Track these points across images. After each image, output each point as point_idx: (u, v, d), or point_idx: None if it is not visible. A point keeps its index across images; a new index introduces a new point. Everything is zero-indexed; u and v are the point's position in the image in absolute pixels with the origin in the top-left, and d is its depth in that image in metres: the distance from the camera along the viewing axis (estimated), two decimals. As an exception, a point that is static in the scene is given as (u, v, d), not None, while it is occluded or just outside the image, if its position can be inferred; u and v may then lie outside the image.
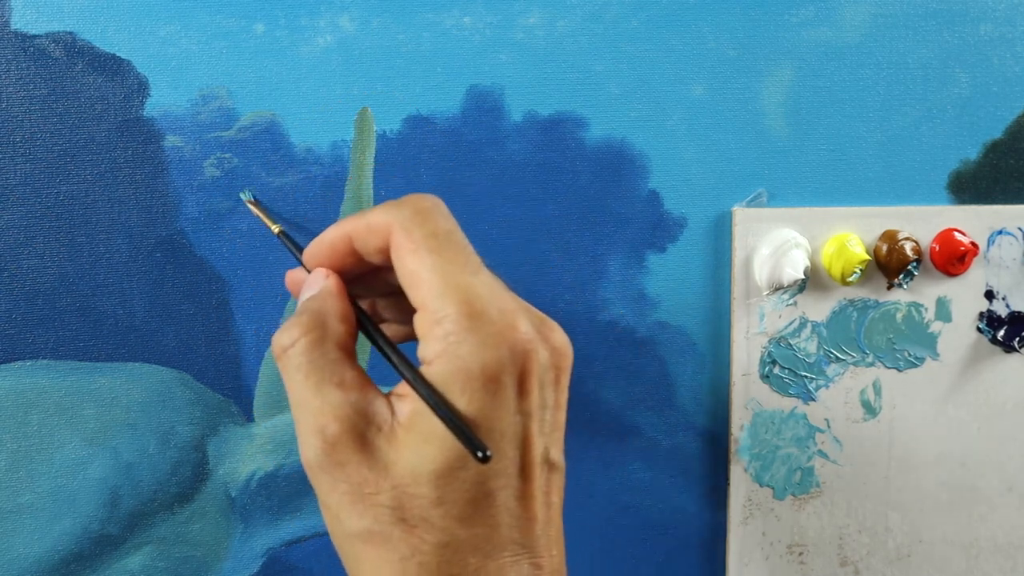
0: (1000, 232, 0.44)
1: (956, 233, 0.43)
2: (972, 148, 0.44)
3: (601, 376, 0.44)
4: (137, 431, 0.41)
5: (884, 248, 0.43)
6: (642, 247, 0.43)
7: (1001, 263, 0.44)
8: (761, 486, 0.45)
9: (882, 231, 0.43)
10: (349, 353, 0.28)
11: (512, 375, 0.26)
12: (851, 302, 0.44)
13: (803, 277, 0.41)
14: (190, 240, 0.40)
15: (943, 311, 0.44)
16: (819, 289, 0.43)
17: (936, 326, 0.44)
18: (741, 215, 0.43)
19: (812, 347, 0.44)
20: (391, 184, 0.41)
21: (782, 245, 0.42)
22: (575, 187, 0.42)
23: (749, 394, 0.44)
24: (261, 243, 0.41)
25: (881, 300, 0.44)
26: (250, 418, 0.42)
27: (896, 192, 0.44)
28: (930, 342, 0.44)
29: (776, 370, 0.44)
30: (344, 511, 0.26)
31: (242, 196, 0.40)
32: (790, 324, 0.44)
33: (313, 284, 0.30)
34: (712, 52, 0.42)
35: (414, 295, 0.27)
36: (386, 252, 0.28)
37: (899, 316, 0.44)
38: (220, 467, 0.41)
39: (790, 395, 0.44)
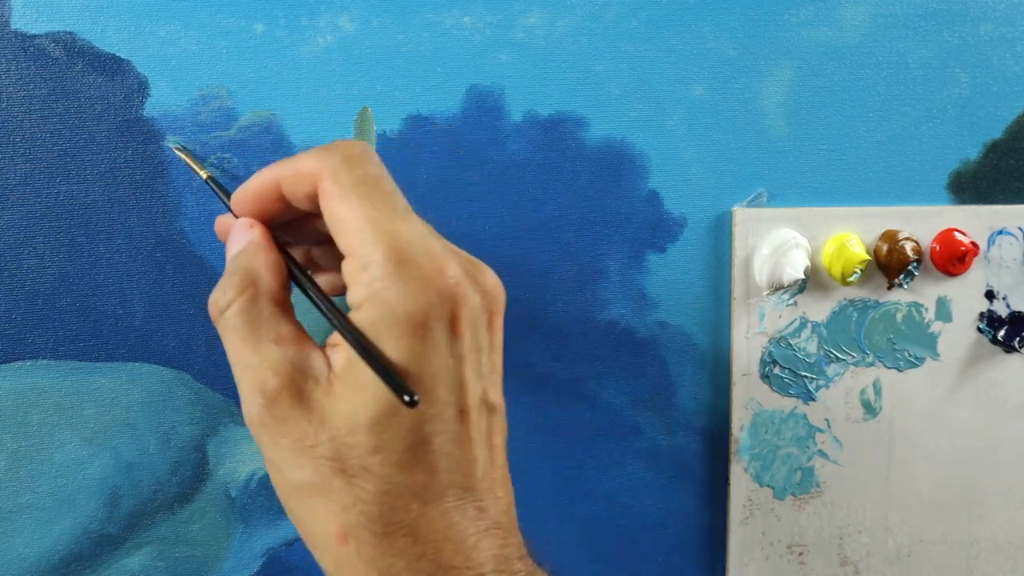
0: (1000, 232, 0.44)
1: (956, 233, 0.43)
2: (972, 148, 0.44)
3: (601, 376, 0.44)
4: (137, 431, 0.41)
5: (884, 248, 0.43)
6: (642, 247, 0.43)
7: (1001, 263, 0.44)
8: (761, 486, 0.45)
9: (882, 231, 0.43)
10: (284, 307, 0.28)
11: (442, 319, 0.26)
12: (851, 302, 0.44)
13: (803, 277, 0.41)
14: (190, 240, 0.40)
15: (943, 311, 0.44)
16: (819, 289, 0.43)
17: (936, 326, 0.44)
18: (741, 215, 0.42)
19: (812, 347, 0.44)
20: (391, 184, 0.41)
21: (782, 245, 0.42)
22: (575, 187, 0.42)
23: (749, 394, 0.44)
24: (261, 243, 0.41)
25: (881, 300, 0.44)
26: (250, 418, 0.42)
27: (896, 192, 0.44)
28: (930, 342, 0.44)
29: (776, 370, 0.44)
30: (286, 465, 0.26)
31: (170, 143, 0.39)
32: (790, 324, 0.44)
33: (239, 238, 0.29)
34: (712, 52, 0.42)
35: (342, 241, 0.27)
36: (314, 199, 0.28)
37: (899, 316, 0.44)
38: (220, 467, 0.41)
39: (790, 395, 0.44)
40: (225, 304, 0.28)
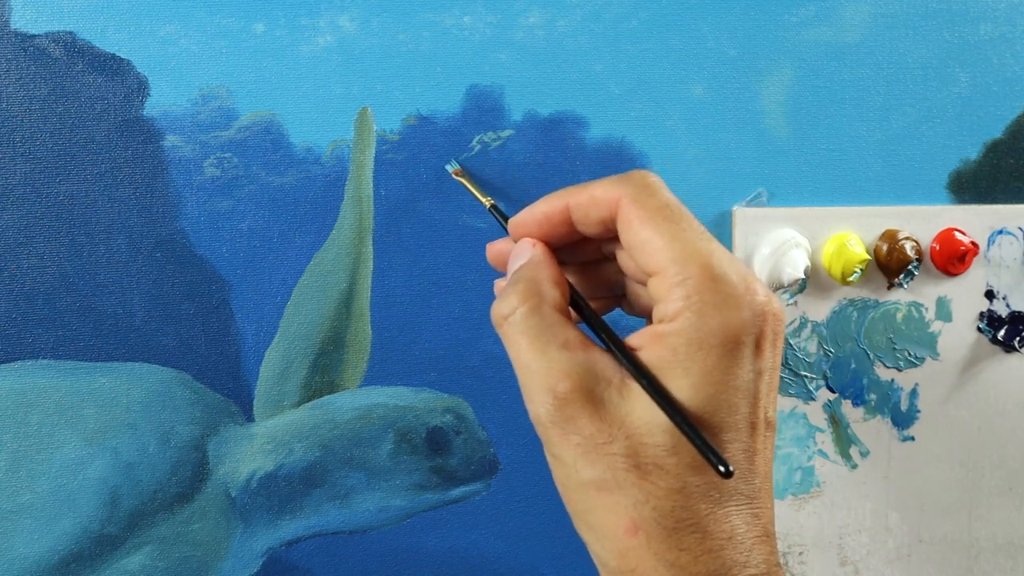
0: (1000, 232, 0.44)
1: (956, 233, 0.43)
2: (972, 148, 0.44)
3: (601, 376, 0.43)
4: (137, 431, 0.41)
5: (884, 248, 0.43)
6: (642, 247, 0.43)
7: (1001, 263, 0.44)
8: (761, 486, 0.45)
9: (882, 231, 0.43)
10: (567, 316, 0.29)
11: (751, 335, 0.27)
12: (851, 302, 0.44)
13: (803, 277, 0.41)
14: (190, 240, 0.40)
15: (943, 311, 0.44)
16: (819, 289, 0.43)
17: (936, 326, 0.44)
18: (741, 215, 0.43)
19: (812, 347, 0.44)
20: (391, 184, 0.41)
21: (782, 245, 0.42)
22: (575, 187, 0.42)
23: (749, 394, 0.44)
24: (261, 243, 0.41)
25: (881, 300, 0.44)
26: (250, 418, 0.42)
27: (896, 192, 0.44)
28: (930, 342, 0.44)
29: (776, 370, 0.44)
30: (577, 462, 0.27)
31: (448, 168, 0.41)
32: (790, 324, 0.44)
33: (522, 253, 0.31)
34: (712, 52, 0.42)
35: (648, 261, 0.28)
36: (607, 223, 0.29)
37: (899, 316, 0.44)
38: (220, 467, 0.41)
39: (790, 395, 0.44)
40: (509, 311, 0.29)
